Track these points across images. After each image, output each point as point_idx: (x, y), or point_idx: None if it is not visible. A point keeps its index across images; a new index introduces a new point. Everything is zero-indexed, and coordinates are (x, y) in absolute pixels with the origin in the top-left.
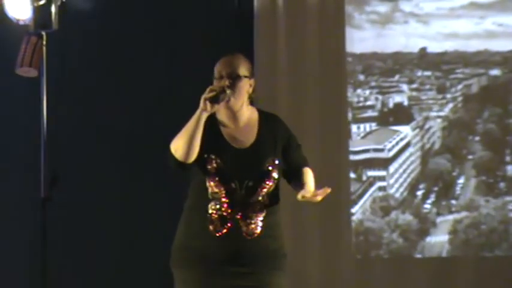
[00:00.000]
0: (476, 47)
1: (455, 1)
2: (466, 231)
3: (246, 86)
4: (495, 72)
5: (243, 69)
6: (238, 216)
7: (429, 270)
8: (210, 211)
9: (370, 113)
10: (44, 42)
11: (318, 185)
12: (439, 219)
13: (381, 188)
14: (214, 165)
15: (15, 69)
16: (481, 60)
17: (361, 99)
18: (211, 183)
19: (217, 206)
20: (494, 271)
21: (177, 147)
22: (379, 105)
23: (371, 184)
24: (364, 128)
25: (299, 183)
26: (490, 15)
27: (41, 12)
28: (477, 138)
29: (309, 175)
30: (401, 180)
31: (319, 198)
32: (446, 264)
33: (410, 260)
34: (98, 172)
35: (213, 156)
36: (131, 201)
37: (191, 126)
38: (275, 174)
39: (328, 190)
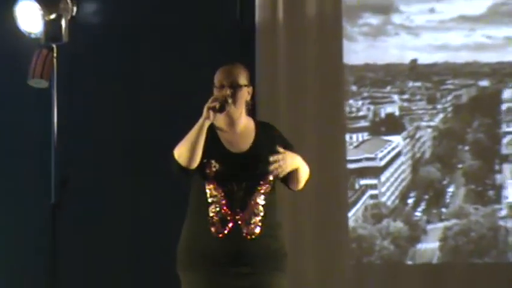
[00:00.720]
0: (466, 59)
1: (445, 14)
2: (456, 238)
3: (245, 95)
4: (484, 83)
5: (243, 78)
6: (238, 217)
7: (420, 276)
8: (211, 214)
9: (362, 123)
10: (55, 55)
11: (317, 192)
12: (429, 227)
13: (372, 196)
14: (213, 169)
15: (27, 80)
16: (471, 71)
17: (354, 109)
18: (211, 186)
19: (217, 209)
20: (484, 277)
21: (181, 153)
22: (371, 115)
23: (363, 192)
24: (357, 138)
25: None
26: (479, 28)
27: (51, 26)
28: (467, 147)
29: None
30: (392, 188)
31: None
32: (437, 271)
33: (402, 267)
34: (106, 177)
35: (212, 161)
36: (138, 205)
37: (194, 133)
38: (271, 177)
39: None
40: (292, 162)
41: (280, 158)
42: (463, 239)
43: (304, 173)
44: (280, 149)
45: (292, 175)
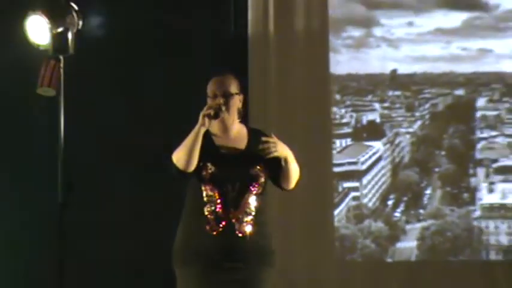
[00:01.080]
0: (442, 69)
1: (423, 27)
2: (433, 237)
3: (237, 102)
4: (459, 92)
5: (234, 88)
6: (232, 216)
7: (399, 273)
8: (206, 213)
9: (345, 130)
10: (62, 65)
11: (305, 193)
12: (408, 227)
13: (355, 198)
14: (209, 171)
15: (36, 89)
16: (447, 81)
17: (337, 116)
18: (207, 187)
19: (212, 208)
20: (459, 274)
21: (179, 158)
22: (353, 122)
23: (346, 194)
24: (340, 143)
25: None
26: (454, 40)
27: (58, 39)
28: (443, 152)
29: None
30: (373, 191)
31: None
32: (415, 268)
33: (382, 264)
34: (109, 179)
35: (208, 164)
36: (138, 205)
37: (191, 139)
38: (262, 179)
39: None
40: (283, 150)
41: (272, 140)
42: (440, 238)
43: (294, 169)
44: (273, 136)
45: (284, 171)
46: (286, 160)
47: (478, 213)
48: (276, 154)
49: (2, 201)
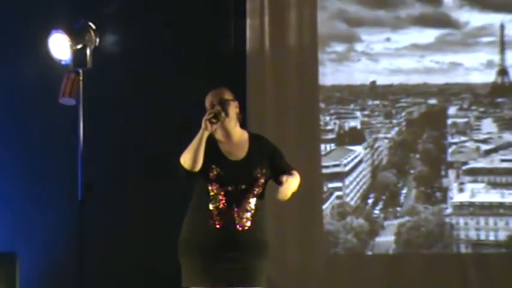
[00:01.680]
0: (417, 81)
1: (400, 43)
2: (409, 232)
3: (233, 107)
4: (432, 101)
5: (227, 95)
6: (233, 212)
7: (378, 265)
8: (211, 208)
9: (330, 135)
10: (81, 78)
11: (297, 192)
12: (386, 223)
13: (338, 197)
14: (215, 172)
15: (58, 99)
16: (421, 91)
17: (322, 123)
18: (213, 187)
19: (216, 204)
20: (431, 265)
21: (185, 159)
22: (337, 129)
23: (331, 194)
24: (325, 148)
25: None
26: (428, 55)
27: (78, 54)
28: (417, 156)
29: (291, 176)
30: (355, 190)
31: (285, 187)
32: (392, 260)
33: (363, 257)
34: (123, 179)
35: (214, 166)
36: (149, 203)
37: (196, 142)
38: (262, 181)
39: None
40: (292, 186)
41: (285, 186)
42: (415, 233)
43: (292, 188)
44: (283, 178)
45: (280, 188)
46: (286, 182)
47: (449, 210)
48: (280, 195)
49: (27, 199)
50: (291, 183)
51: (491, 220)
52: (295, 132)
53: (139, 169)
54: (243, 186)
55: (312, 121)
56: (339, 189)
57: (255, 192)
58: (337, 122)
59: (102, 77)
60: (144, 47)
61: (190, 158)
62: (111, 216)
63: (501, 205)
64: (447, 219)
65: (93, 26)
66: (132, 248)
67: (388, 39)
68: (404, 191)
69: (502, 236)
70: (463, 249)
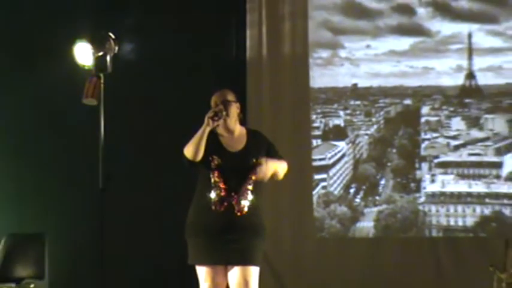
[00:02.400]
0: (394, 83)
1: (379, 49)
2: (386, 218)
3: (234, 107)
4: (408, 101)
5: (230, 96)
6: (232, 199)
7: (360, 247)
8: (213, 196)
9: (316, 132)
10: (102, 81)
11: (290, 183)
12: (366, 210)
13: (323, 187)
14: (216, 162)
15: (82, 99)
16: (397, 93)
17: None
18: (214, 175)
19: (218, 191)
20: (407, 248)
21: (188, 151)
22: (322, 126)
23: (317, 184)
24: (312, 143)
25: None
26: (404, 60)
27: (99, 60)
28: (394, 150)
29: (272, 160)
30: (338, 181)
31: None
32: (372, 243)
33: (345, 240)
34: (139, 170)
35: (215, 157)
36: (160, 190)
37: (198, 136)
38: (259, 168)
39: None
40: (271, 167)
41: (262, 163)
42: (392, 219)
43: (281, 169)
44: (263, 160)
45: (273, 173)
46: (265, 163)
47: (422, 199)
48: (267, 176)
49: (55, 187)
50: (271, 165)
51: (459, 208)
52: (288, 129)
53: (152, 161)
54: (241, 175)
55: (303, 119)
56: (324, 180)
57: (251, 180)
58: (323, 120)
59: (120, 80)
60: (158, 54)
61: (192, 150)
62: (128, 202)
63: (469, 194)
64: (421, 207)
65: (113, 36)
66: (147, 230)
67: (368, 46)
68: (382, 181)
69: (470, 221)
70: (434, 234)
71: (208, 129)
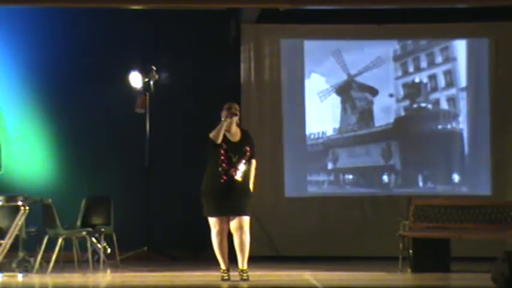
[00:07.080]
0: None
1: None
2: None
3: (236, 118)
4: None
5: (236, 110)
6: (232, 171)
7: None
8: (219, 169)
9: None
10: (147, 97)
11: (267, 157)
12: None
13: None
14: (224, 146)
15: (135, 109)
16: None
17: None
18: (221, 155)
19: (223, 165)
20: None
21: (213, 135)
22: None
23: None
24: (283, 140)
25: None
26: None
27: (145, 84)
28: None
29: (251, 173)
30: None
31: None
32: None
33: (307, 198)
34: (175, 155)
35: (223, 144)
36: (191, 170)
37: (219, 127)
38: (248, 154)
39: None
40: (252, 170)
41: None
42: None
43: (254, 168)
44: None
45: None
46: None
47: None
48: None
49: (117, 167)
50: (252, 169)
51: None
52: (267, 130)
53: (181, 150)
54: (238, 156)
55: (278, 127)
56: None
57: (244, 160)
58: None
59: (159, 97)
60: (183, 80)
61: (215, 135)
62: (168, 180)
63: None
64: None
65: (154, 68)
66: (179, 196)
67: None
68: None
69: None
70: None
71: (225, 124)
